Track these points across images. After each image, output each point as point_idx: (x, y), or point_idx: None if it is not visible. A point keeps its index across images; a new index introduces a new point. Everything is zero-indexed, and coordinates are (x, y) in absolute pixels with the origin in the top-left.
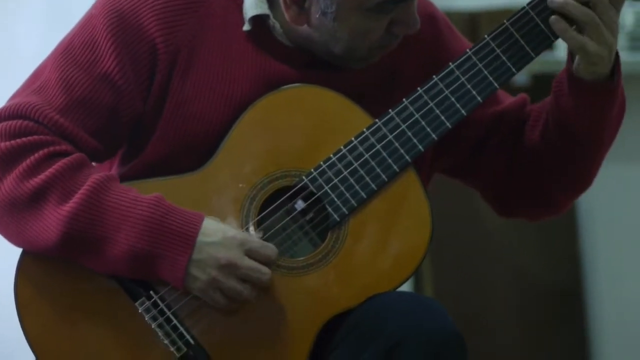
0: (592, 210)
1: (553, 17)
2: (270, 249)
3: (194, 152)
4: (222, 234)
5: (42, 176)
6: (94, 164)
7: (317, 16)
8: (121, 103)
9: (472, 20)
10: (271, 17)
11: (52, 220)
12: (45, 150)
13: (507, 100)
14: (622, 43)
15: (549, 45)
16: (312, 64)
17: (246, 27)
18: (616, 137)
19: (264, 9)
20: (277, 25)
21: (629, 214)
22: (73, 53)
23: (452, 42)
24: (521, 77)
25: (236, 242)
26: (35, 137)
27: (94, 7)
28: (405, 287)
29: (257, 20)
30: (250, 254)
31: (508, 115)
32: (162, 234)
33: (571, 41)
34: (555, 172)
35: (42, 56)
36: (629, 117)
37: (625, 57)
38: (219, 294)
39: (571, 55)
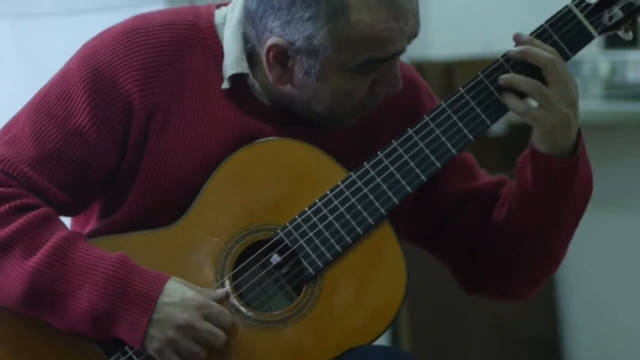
0: (568, 257)
1: (504, 92)
2: (227, 316)
3: (171, 207)
4: (181, 295)
5: (7, 230)
6: (69, 217)
7: (301, 76)
8: (93, 159)
9: (447, 70)
10: (250, 76)
11: (15, 274)
12: (12, 203)
13: (484, 178)
14: (597, 92)
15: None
16: (289, 123)
17: (225, 85)
18: (582, 215)
19: (244, 68)
20: (257, 84)
21: (606, 261)
22: (47, 106)
23: (430, 107)
24: (498, 127)
25: (195, 304)
26: (3, 189)
27: (71, 60)
28: (383, 338)
29: (237, 78)
30: (208, 317)
31: (482, 193)
32: (124, 294)
33: (515, 108)
34: (518, 251)
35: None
36: (605, 166)
37: (600, 106)
38: (175, 355)
39: None
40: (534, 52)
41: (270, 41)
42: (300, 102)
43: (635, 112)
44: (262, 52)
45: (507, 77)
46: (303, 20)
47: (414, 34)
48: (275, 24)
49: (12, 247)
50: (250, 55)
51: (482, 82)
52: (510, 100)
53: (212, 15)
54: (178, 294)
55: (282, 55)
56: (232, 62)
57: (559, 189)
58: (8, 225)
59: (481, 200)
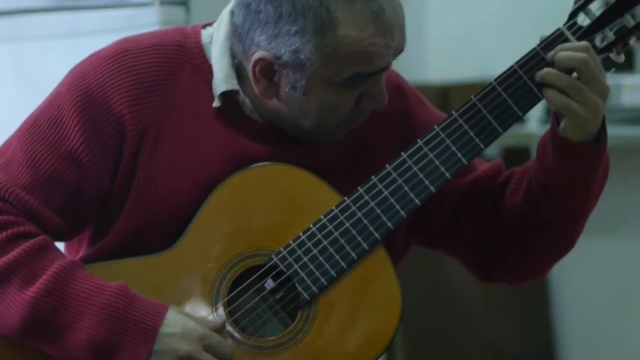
0: (564, 280)
1: (542, 88)
2: (228, 348)
3: (162, 230)
4: (182, 325)
5: (4, 259)
6: (62, 243)
7: (287, 90)
8: (87, 181)
9: (443, 94)
10: (241, 92)
11: (14, 304)
12: (9, 231)
13: (481, 166)
14: None
15: (518, 119)
16: (281, 140)
17: (216, 103)
18: (598, 200)
19: (233, 85)
20: (247, 100)
21: (602, 284)
22: (39, 130)
23: (419, 113)
24: (492, 151)
25: (197, 335)
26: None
27: (61, 84)
28: None
29: (227, 95)
30: (209, 349)
31: (483, 182)
32: (125, 324)
33: (556, 102)
34: (538, 234)
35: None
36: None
37: None
38: None
39: (555, 116)
40: (564, 58)
41: (257, 55)
42: (286, 117)
43: (630, 136)
44: (249, 66)
45: (543, 73)
46: (290, 35)
47: (400, 49)
48: (262, 37)
49: (11, 277)
50: (238, 70)
51: (475, 106)
52: (550, 93)
53: (198, 35)
54: (179, 325)
55: (268, 69)
56: (222, 79)
57: (586, 174)
58: (6, 254)
59: (486, 187)
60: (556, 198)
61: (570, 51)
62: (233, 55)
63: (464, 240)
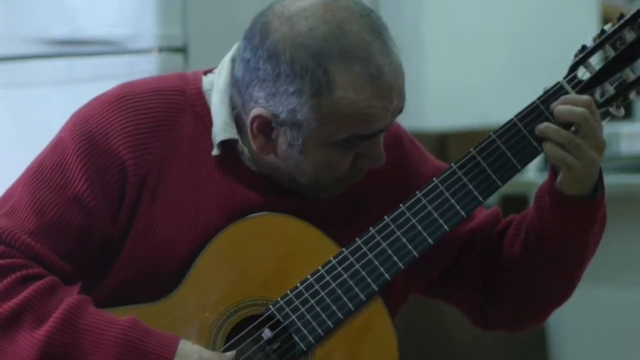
0: (562, 329)
1: (542, 141)
2: None
3: (157, 278)
4: (198, 356)
5: (15, 300)
6: None
7: (284, 147)
8: (92, 225)
9: (441, 141)
10: (240, 142)
11: (26, 345)
12: (18, 273)
13: (480, 214)
14: None
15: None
16: (280, 191)
17: (215, 152)
18: (600, 241)
19: (232, 134)
20: (246, 150)
21: (599, 334)
22: (43, 175)
23: (419, 163)
24: (491, 198)
25: None
26: (8, 260)
27: (63, 130)
28: None
29: (226, 144)
30: None
31: (482, 231)
32: (139, 357)
33: (553, 156)
34: (535, 284)
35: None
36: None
37: None
38: None
39: (553, 168)
40: (563, 112)
41: (255, 111)
42: (284, 172)
43: (628, 184)
44: (247, 121)
45: (542, 128)
46: (287, 94)
47: (398, 110)
48: (260, 94)
49: (22, 318)
50: (237, 120)
51: (474, 158)
52: (548, 147)
53: (199, 81)
54: (195, 355)
55: (266, 126)
56: (221, 128)
57: (583, 229)
58: (17, 296)
59: (485, 237)
60: (552, 249)
61: (570, 105)
62: (233, 106)
63: (463, 289)
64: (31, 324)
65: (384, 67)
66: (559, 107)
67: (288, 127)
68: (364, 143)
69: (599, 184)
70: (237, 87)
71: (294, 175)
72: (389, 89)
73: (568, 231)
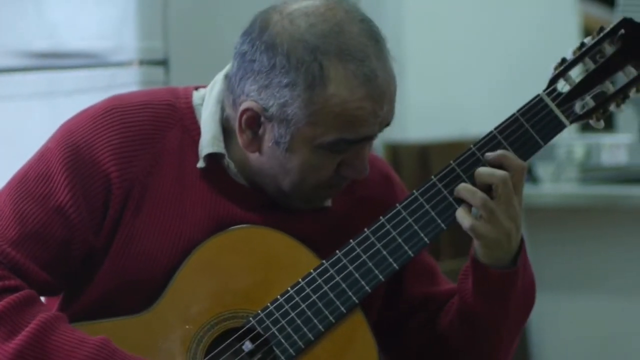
0: (544, 335)
1: (456, 189)
2: None
3: (139, 290)
4: None
5: None
6: (43, 298)
7: (270, 144)
8: (74, 237)
9: (422, 153)
10: (226, 156)
11: None
12: None
13: (445, 286)
14: (572, 175)
15: None
16: (264, 205)
17: (200, 164)
18: (524, 324)
19: (220, 148)
20: (232, 165)
21: (582, 343)
22: (28, 185)
23: None
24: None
25: None
26: None
27: (50, 140)
28: None
29: (212, 158)
30: None
31: (438, 299)
32: None
33: (462, 222)
34: (463, 351)
35: None
36: (579, 249)
37: (575, 189)
38: None
39: None
40: (484, 174)
41: (245, 104)
42: (267, 175)
43: (610, 195)
44: (236, 117)
45: (458, 189)
46: (280, 86)
47: (386, 122)
48: (253, 87)
49: None
50: (226, 131)
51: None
52: (459, 212)
53: (190, 96)
54: None
55: (254, 121)
56: (209, 141)
57: (497, 300)
58: None
59: (436, 307)
60: (472, 321)
61: (494, 166)
62: (225, 119)
63: (401, 347)
64: (3, 337)
65: (379, 71)
66: (481, 168)
67: (276, 122)
68: (349, 148)
69: (521, 254)
70: (230, 85)
71: (277, 177)
72: (381, 93)
73: (484, 300)
